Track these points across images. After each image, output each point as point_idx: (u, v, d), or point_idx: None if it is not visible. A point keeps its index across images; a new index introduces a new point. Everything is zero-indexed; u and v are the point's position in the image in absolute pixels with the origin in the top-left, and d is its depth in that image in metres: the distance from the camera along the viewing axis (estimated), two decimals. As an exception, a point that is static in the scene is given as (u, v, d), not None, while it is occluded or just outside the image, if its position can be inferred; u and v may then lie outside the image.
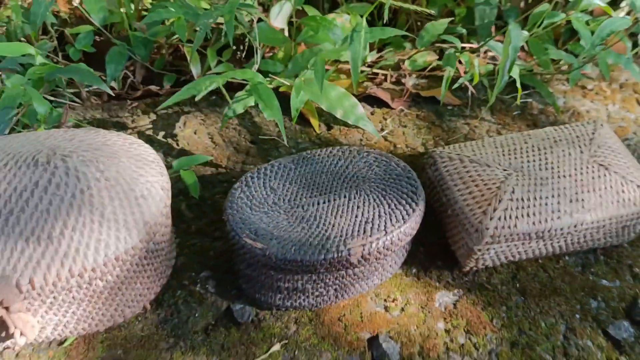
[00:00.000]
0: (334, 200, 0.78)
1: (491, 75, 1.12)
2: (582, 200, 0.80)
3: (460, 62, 1.07)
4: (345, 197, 0.78)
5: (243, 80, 0.93)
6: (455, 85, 1.03)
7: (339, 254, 0.71)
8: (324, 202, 0.78)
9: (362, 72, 1.14)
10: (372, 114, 1.10)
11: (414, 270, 0.87)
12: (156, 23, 1.08)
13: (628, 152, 0.88)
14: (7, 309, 0.65)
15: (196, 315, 0.81)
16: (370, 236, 0.73)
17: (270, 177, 0.81)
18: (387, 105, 1.10)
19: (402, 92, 1.12)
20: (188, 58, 1.08)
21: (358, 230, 0.74)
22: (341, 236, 0.73)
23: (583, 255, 0.90)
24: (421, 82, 1.17)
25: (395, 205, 0.77)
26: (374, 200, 0.78)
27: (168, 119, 1.07)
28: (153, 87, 1.10)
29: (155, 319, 0.80)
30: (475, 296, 0.84)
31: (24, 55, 0.93)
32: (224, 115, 0.94)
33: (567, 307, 0.83)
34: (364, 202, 0.77)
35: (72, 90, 1.07)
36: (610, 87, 1.20)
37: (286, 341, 0.78)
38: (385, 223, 0.75)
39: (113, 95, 1.06)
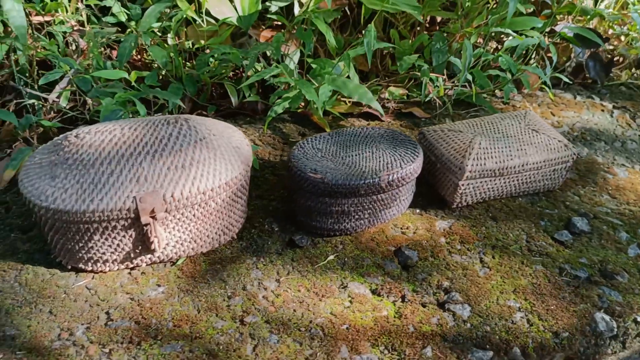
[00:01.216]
0: (363, 153, 1.13)
1: (449, 96, 1.54)
2: (525, 149, 1.19)
3: (430, 81, 1.49)
4: (369, 152, 1.14)
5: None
6: (427, 99, 1.43)
7: (373, 180, 1.05)
8: (356, 155, 1.13)
9: (352, 102, 1.54)
10: (368, 124, 1.48)
11: (417, 210, 1.21)
12: (202, 65, 1.44)
13: (547, 125, 1.29)
14: (154, 217, 0.94)
15: (269, 243, 1.10)
16: (392, 169, 1.08)
17: (315, 143, 1.16)
18: (378, 119, 1.49)
19: (387, 110, 1.52)
20: (228, 92, 1.44)
21: (383, 168, 1.08)
22: (372, 170, 1.07)
23: (530, 197, 1.27)
24: (398, 105, 1.58)
25: (404, 154, 1.13)
26: (390, 152, 1.13)
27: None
28: (206, 112, 1.44)
29: (239, 246, 1.09)
30: (463, 222, 1.18)
31: (120, 80, 1.26)
32: (268, 116, 1.30)
33: (525, 225, 1.19)
34: (383, 154, 1.13)
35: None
36: (532, 105, 1.65)
37: (337, 254, 1.09)
38: (400, 163, 1.10)
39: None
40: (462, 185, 1.16)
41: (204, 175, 0.97)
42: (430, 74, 1.43)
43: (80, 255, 0.97)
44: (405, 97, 1.57)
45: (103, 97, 1.27)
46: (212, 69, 1.45)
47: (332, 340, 0.92)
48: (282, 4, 1.50)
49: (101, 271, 1.01)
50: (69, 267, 1.00)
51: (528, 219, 1.20)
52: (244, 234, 1.12)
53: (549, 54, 1.70)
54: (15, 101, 1.33)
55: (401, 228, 1.16)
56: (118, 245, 0.97)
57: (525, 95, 1.70)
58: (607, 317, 0.99)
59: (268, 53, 1.49)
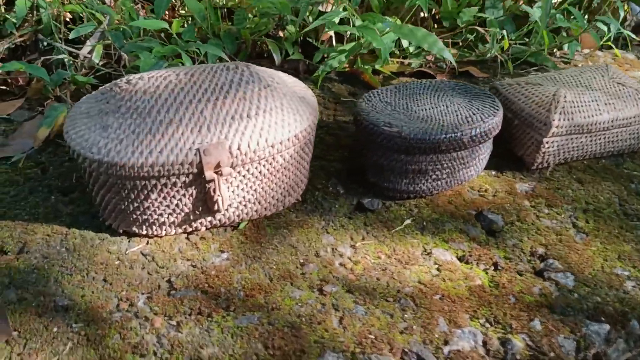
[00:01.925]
0: (437, 107, 1.01)
1: (507, 52, 1.42)
2: (613, 104, 1.07)
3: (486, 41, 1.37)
4: (443, 105, 1.02)
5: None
6: (488, 56, 1.32)
7: (454, 135, 0.94)
8: (430, 108, 1.01)
9: (405, 62, 1.42)
10: (423, 83, 1.37)
11: (493, 172, 1.10)
12: (242, 20, 1.32)
13: (632, 79, 1.18)
14: (219, 173, 0.83)
15: (336, 206, 0.99)
16: (473, 123, 0.96)
17: (383, 96, 1.04)
18: (432, 78, 1.37)
19: (441, 69, 1.41)
20: (271, 49, 1.32)
21: (463, 122, 0.97)
22: (452, 124, 0.96)
23: (614, 158, 1.16)
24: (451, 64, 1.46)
25: (482, 108, 1.01)
26: (466, 106, 1.02)
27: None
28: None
29: (304, 210, 0.98)
30: (546, 185, 1.07)
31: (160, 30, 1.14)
32: (321, 71, 1.18)
33: (615, 187, 1.08)
34: (459, 107, 1.01)
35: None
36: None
37: (413, 217, 0.98)
38: (481, 117, 0.98)
39: None
40: (547, 142, 1.04)
41: (271, 126, 0.85)
42: (491, 29, 1.31)
43: (135, 217, 0.86)
44: (456, 57, 1.44)
45: (140, 51, 1.15)
46: (252, 24, 1.32)
47: (427, 312, 0.81)
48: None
49: (156, 235, 0.89)
50: (121, 231, 0.89)
51: (617, 181, 1.09)
52: (308, 197, 1.01)
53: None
54: (43, 58, 1.21)
55: (478, 190, 1.05)
56: (177, 205, 0.86)
57: (585, 55, 1.58)
58: None
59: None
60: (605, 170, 1.12)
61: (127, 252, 0.87)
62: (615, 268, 0.91)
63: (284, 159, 0.89)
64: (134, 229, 0.88)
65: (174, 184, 0.83)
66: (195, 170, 0.81)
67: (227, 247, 0.89)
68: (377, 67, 1.33)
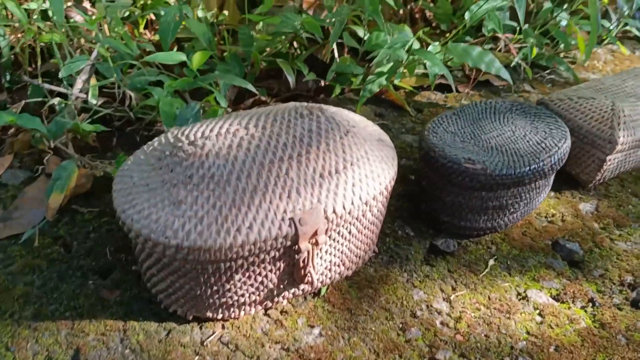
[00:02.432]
0: (504, 133, 0.94)
1: (525, 60, 1.38)
2: (661, 112, 1.05)
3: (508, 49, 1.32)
4: (510, 130, 0.95)
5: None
6: (513, 64, 1.26)
7: (537, 166, 0.87)
8: (498, 136, 0.94)
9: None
10: (446, 96, 1.29)
11: (552, 194, 1.05)
12: (248, 40, 1.18)
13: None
14: (315, 243, 0.71)
15: (412, 252, 0.90)
16: (550, 151, 0.90)
17: (445, 125, 0.95)
18: (451, 90, 1.30)
19: (458, 79, 1.34)
20: (284, 70, 1.19)
21: (539, 149, 0.90)
22: (530, 154, 0.89)
23: (655, 166, 1.14)
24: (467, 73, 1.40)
25: (550, 130, 0.95)
26: (532, 130, 0.95)
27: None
28: (262, 97, 1.19)
29: (380, 262, 0.88)
30: (607, 203, 1.03)
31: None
32: (361, 96, 1.07)
33: (669, 198, 1.06)
34: (526, 132, 0.95)
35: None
36: (598, 63, 1.53)
37: (495, 256, 0.91)
38: (553, 142, 0.92)
39: (251, 102, 1.15)
40: (609, 160, 1.00)
41: (362, 180, 0.74)
42: (528, 38, 1.26)
43: (212, 301, 0.73)
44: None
45: (151, 88, 0.99)
46: (261, 44, 1.19)
47: (550, 369, 0.75)
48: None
49: (234, 318, 0.76)
50: (190, 317, 0.75)
51: (668, 191, 1.08)
52: (379, 245, 0.91)
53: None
54: (25, 101, 1.01)
55: (546, 217, 0.99)
56: (261, 282, 0.73)
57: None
58: None
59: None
60: (654, 180, 1.10)
61: (204, 343, 0.73)
62: (703, 288, 0.88)
63: (372, 214, 0.78)
64: (208, 314, 0.74)
65: (263, 260, 0.70)
66: (288, 244, 0.69)
67: (315, 321, 0.78)
68: (396, 82, 1.24)
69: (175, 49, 1.24)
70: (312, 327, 0.77)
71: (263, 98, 1.19)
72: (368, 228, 0.80)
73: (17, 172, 0.96)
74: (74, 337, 0.72)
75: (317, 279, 0.77)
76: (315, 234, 0.70)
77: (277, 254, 0.70)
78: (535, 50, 1.24)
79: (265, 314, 0.78)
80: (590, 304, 0.85)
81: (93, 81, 1.02)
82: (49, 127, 0.95)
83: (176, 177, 0.69)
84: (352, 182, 0.73)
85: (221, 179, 0.68)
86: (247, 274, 0.71)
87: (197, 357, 0.71)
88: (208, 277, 0.69)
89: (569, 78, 1.40)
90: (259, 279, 0.72)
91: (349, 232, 0.77)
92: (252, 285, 0.73)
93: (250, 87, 1.02)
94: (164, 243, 0.65)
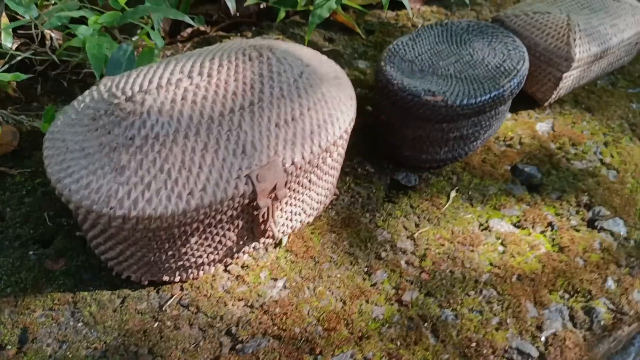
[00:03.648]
0: (463, 57, 0.90)
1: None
2: (617, 24, 1.02)
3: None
4: (468, 55, 0.90)
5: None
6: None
7: (497, 92, 0.84)
8: (457, 61, 0.89)
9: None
10: (397, 15, 1.22)
11: (509, 115, 1.02)
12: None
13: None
14: (274, 197, 0.67)
15: (373, 191, 0.87)
16: (509, 74, 0.86)
17: (401, 53, 0.90)
18: (403, 7, 1.23)
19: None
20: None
21: (498, 73, 0.86)
22: (490, 79, 0.85)
23: (607, 78, 1.13)
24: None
25: (507, 51, 0.91)
26: (490, 52, 0.91)
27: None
28: (201, 27, 1.08)
29: (342, 203, 0.85)
30: (561, 120, 1.03)
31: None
32: (310, 23, 0.99)
33: (620, 111, 1.06)
34: (484, 55, 0.90)
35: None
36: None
37: (457, 187, 0.89)
38: (512, 64, 0.88)
39: (189, 34, 1.04)
40: (565, 77, 0.98)
41: (321, 125, 0.69)
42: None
43: (168, 265, 0.68)
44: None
45: (74, 27, 0.87)
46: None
47: (512, 299, 0.76)
48: None
49: (193, 278, 0.72)
50: (145, 282, 0.71)
51: (619, 103, 1.07)
52: (340, 185, 0.87)
53: None
54: None
55: (504, 140, 0.98)
56: (220, 242, 0.69)
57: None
58: None
59: None
60: (606, 93, 1.10)
61: (163, 307, 0.70)
62: (654, 203, 0.91)
63: (332, 159, 0.74)
64: (165, 277, 0.70)
65: (220, 221, 0.66)
66: (246, 202, 0.64)
67: (278, 273, 0.75)
68: (344, 1, 1.15)
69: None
70: (275, 279, 0.74)
71: (202, 28, 1.08)
72: (328, 173, 0.76)
73: None
74: (20, 315, 0.67)
75: (278, 231, 0.74)
76: (274, 188, 0.65)
77: (235, 212, 0.66)
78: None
79: (226, 270, 0.75)
80: (550, 228, 0.86)
81: (5, 21, 0.89)
82: (-41, 77, 0.83)
83: (115, 139, 0.61)
84: (310, 129, 0.68)
85: (167, 138, 0.61)
86: (203, 236, 0.66)
87: (156, 324, 0.68)
88: (161, 244, 0.65)
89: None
90: (217, 238, 0.68)
91: (309, 181, 0.72)
92: (209, 245, 0.68)
93: (187, 19, 0.91)
94: (109, 214, 0.59)
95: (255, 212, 0.67)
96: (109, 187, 0.60)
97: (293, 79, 0.70)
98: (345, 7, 1.19)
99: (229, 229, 0.68)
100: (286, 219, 0.74)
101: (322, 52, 1.09)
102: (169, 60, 0.70)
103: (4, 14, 0.89)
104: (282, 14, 1.13)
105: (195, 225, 0.64)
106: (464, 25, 0.96)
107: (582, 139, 0.99)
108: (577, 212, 0.88)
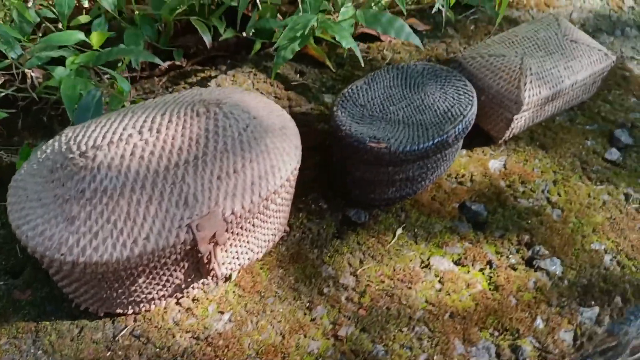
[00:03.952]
0: (413, 102, 0.95)
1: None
2: (571, 67, 1.07)
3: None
4: (419, 99, 0.96)
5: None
6: (434, 10, 1.23)
7: (440, 139, 0.89)
8: (407, 106, 0.95)
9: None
10: (368, 47, 1.27)
11: (464, 152, 1.08)
12: (157, 1, 1.12)
13: (581, 31, 1.17)
14: (215, 243, 0.73)
15: (324, 227, 0.93)
16: (455, 120, 0.92)
17: (354, 97, 0.95)
18: (378, 39, 1.28)
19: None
20: (199, 30, 1.14)
21: (445, 120, 0.92)
22: (435, 126, 0.91)
23: (566, 114, 1.17)
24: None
25: (457, 96, 0.96)
26: (441, 96, 0.96)
27: (204, 85, 1.14)
28: (177, 62, 1.14)
29: (292, 240, 0.91)
30: (515, 158, 1.07)
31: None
32: (275, 64, 1.05)
33: (574, 149, 1.10)
34: (435, 99, 0.95)
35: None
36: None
37: (403, 224, 0.95)
38: (459, 109, 0.94)
39: (167, 67, 1.11)
40: (516, 119, 1.03)
41: (262, 176, 0.75)
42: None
43: (120, 300, 0.76)
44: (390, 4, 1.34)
45: (52, 68, 0.94)
46: (172, 2, 1.12)
47: (442, 336, 0.82)
48: None
49: (145, 311, 0.80)
50: (101, 314, 0.78)
51: (574, 141, 1.12)
52: (292, 221, 0.94)
53: None
54: None
55: (456, 177, 1.03)
56: (167, 280, 0.76)
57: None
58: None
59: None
60: (562, 130, 1.14)
61: (116, 337, 0.77)
62: (593, 243, 0.95)
63: (276, 204, 0.80)
64: (118, 310, 0.78)
65: (164, 264, 0.72)
66: (188, 248, 0.71)
67: (225, 307, 0.82)
68: (317, 34, 1.20)
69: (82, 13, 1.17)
70: (222, 313, 0.81)
71: (178, 63, 1.15)
72: (273, 216, 0.82)
73: None
74: (-13, 342, 0.75)
75: (224, 271, 0.80)
76: (214, 235, 0.72)
77: (179, 257, 0.72)
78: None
79: (178, 303, 0.82)
80: (489, 266, 0.91)
81: (-12, 60, 0.96)
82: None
83: (68, 191, 0.69)
84: (250, 180, 0.75)
85: (114, 192, 0.68)
86: (150, 276, 0.73)
87: (109, 353, 0.75)
88: (111, 284, 0.72)
89: (493, 16, 1.38)
90: (164, 278, 0.75)
91: (253, 225, 0.79)
92: (157, 284, 0.75)
93: (157, 60, 0.98)
94: (60, 260, 0.66)
95: (199, 255, 0.73)
96: (60, 235, 0.67)
97: (238, 133, 0.76)
98: (318, 40, 1.24)
99: (175, 270, 0.75)
100: (233, 257, 0.81)
101: (291, 86, 1.15)
102: (127, 111, 0.77)
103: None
104: (257, 46, 1.19)
105: (141, 269, 0.71)
106: (419, 69, 1.01)
107: (532, 177, 1.04)
108: (518, 251, 0.94)
